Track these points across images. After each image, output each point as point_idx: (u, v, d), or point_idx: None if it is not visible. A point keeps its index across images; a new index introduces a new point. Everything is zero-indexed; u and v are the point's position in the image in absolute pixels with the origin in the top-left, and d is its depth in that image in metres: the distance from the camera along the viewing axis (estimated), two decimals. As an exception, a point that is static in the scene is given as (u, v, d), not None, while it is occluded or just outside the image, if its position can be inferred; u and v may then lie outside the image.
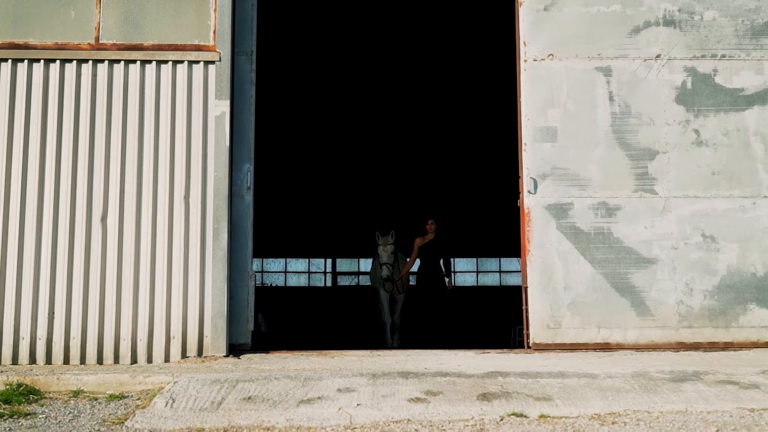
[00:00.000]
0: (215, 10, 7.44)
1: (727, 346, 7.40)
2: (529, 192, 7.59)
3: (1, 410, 5.20)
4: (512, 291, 14.87)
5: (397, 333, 12.14)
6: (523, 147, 7.69)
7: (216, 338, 7.03)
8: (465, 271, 25.68)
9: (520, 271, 8.23)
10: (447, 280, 11.74)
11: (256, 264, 24.92)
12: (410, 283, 12.81)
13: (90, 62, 7.33)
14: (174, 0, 7.45)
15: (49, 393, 5.79)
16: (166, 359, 6.98)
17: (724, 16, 7.86)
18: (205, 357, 6.99)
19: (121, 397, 5.64)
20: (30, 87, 7.27)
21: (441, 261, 11.71)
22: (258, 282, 24.79)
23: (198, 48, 7.40)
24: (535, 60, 7.80)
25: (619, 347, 7.40)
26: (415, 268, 12.40)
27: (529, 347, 7.51)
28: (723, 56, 7.81)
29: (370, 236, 12.64)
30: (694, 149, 7.69)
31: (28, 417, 5.11)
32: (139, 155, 7.25)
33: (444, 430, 4.74)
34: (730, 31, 7.84)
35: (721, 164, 7.67)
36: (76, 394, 5.75)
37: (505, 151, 15.16)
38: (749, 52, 7.81)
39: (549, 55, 7.80)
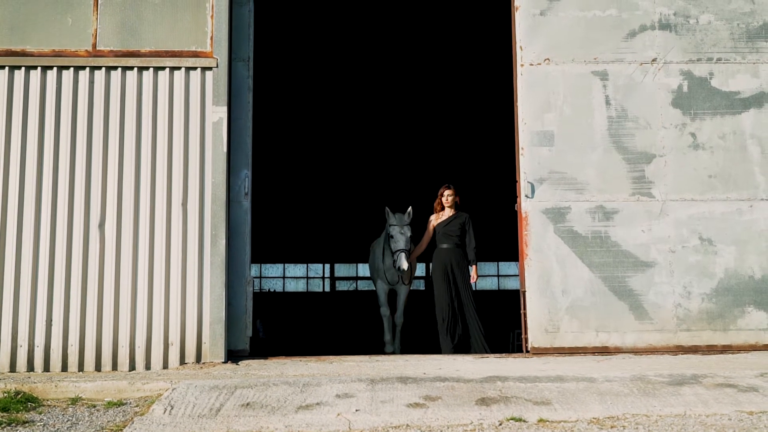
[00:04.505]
0: (212, 16, 7.45)
1: (725, 349, 7.40)
2: (526, 196, 7.60)
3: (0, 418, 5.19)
4: (510, 295, 14.83)
5: (398, 336, 10.06)
6: (520, 151, 7.70)
7: (214, 344, 7.02)
8: (463, 276, 25.63)
9: (518, 275, 8.22)
10: (472, 269, 9.32)
11: (254, 269, 24.96)
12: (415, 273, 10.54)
13: (87, 69, 7.34)
14: (171, 6, 7.47)
15: (47, 400, 5.77)
16: (165, 366, 6.97)
17: (719, 20, 7.88)
18: (204, 363, 6.98)
19: (120, 404, 5.63)
20: (27, 94, 7.27)
21: (468, 246, 9.21)
22: (256, 287, 24.79)
23: (195, 54, 7.41)
24: (531, 64, 7.81)
25: (618, 351, 7.40)
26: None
27: (527, 351, 7.51)
28: (719, 59, 7.83)
29: (369, 241, 11.13)
30: (691, 152, 7.70)
31: (26, 425, 5.10)
32: (137, 161, 7.26)
33: (443, 435, 4.74)
34: (726, 35, 7.86)
35: (718, 167, 7.68)
36: (75, 401, 5.74)
37: (502, 155, 15.17)
38: (745, 55, 7.83)
39: (545, 60, 7.81)
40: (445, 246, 9.15)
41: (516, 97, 7.82)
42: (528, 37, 7.83)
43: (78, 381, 6.08)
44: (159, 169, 7.25)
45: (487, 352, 8.45)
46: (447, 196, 9.22)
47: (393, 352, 9.80)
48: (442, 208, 9.28)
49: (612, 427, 4.84)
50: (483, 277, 25.34)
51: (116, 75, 7.36)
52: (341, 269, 26.96)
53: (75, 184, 7.18)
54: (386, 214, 9.78)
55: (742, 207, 7.62)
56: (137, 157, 7.26)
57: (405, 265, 9.34)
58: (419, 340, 10.64)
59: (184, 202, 7.22)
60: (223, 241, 7.16)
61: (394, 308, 10.18)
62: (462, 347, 8.80)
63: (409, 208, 9.70)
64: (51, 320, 6.97)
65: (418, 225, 9.86)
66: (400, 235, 9.53)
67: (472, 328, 8.86)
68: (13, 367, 6.88)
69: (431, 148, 22.04)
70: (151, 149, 7.27)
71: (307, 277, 27.08)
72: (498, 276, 25.74)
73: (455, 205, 9.27)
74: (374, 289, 10.57)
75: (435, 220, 9.30)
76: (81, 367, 6.92)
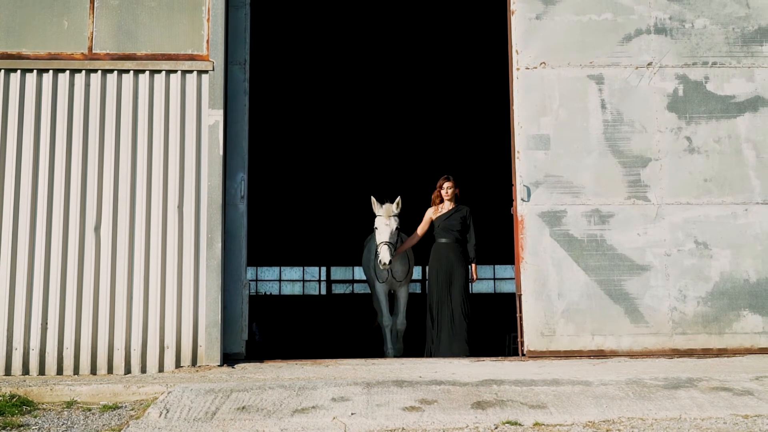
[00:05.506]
0: (208, 19, 7.45)
1: (720, 353, 7.41)
2: (522, 200, 7.61)
3: (-6, 422, 5.18)
4: (506, 298, 14.85)
5: (399, 342, 9.25)
6: (516, 155, 7.71)
7: (210, 348, 7.01)
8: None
9: (514, 279, 8.22)
10: (471, 268, 8.83)
11: (250, 272, 24.91)
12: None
13: (83, 72, 7.33)
14: (167, 10, 7.47)
15: (43, 404, 5.76)
16: (160, 369, 6.96)
17: (714, 24, 7.90)
18: (200, 366, 6.97)
19: (115, 407, 5.62)
20: (23, 97, 7.27)
21: (468, 243, 8.76)
22: (252, 290, 24.77)
23: (191, 57, 7.41)
24: (527, 68, 7.82)
25: (614, 354, 7.40)
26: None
27: (523, 355, 7.51)
28: (714, 64, 7.85)
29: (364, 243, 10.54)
30: (687, 156, 7.72)
31: (22, 428, 5.09)
32: (133, 165, 7.25)
33: (438, 438, 4.74)
34: (721, 39, 7.88)
35: (713, 171, 7.69)
36: (70, 404, 5.73)
37: (498, 158, 15.20)
38: (740, 59, 7.85)
39: (541, 63, 7.83)
40: (444, 240, 8.69)
41: (512, 101, 7.83)
42: (524, 40, 7.85)
43: (73, 384, 6.07)
44: (155, 172, 7.24)
45: (465, 355, 8.17)
46: (447, 189, 8.74)
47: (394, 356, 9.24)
48: (441, 201, 8.80)
49: (607, 431, 4.84)
50: (479, 279, 25.31)
51: (112, 78, 7.35)
52: (337, 272, 26.96)
53: (71, 187, 7.17)
54: (372, 205, 8.93)
55: (738, 211, 7.63)
56: (133, 160, 7.26)
57: (387, 259, 8.51)
58: (415, 343, 10.61)
59: (180, 205, 7.21)
60: (219, 245, 7.15)
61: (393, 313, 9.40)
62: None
63: (398, 198, 8.96)
64: (46, 323, 6.96)
65: (411, 219, 9.44)
66: (384, 226, 8.73)
67: (458, 327, 8.44)
68: (8, 371, 6.86)
69: (428, 150, 22.06)
70: (147, 152, 7.27)
71: (304, 280, 27.08)
72: (494, 279, 25.76)
73: (455, 198, 8.82)
74: (370, 292, 9.83)
75: (433, 213, 8.80)
76: (76, 371, 6.91)
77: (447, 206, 8.81)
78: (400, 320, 9.28)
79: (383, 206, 8.91)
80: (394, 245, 8.74)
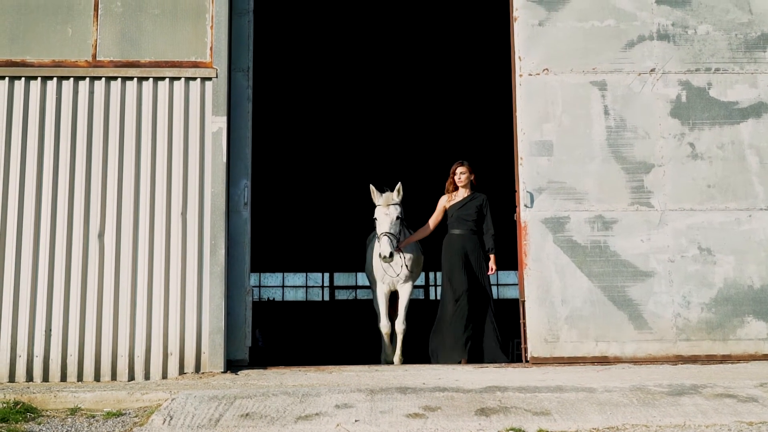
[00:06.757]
0: (212, 27, 7.48)
1: (724, 359, 7.39)
2: (525, 206, 7.61)
3: (-2, 429, 5.18)
4: (510, 304, 14.79)
5: (399, 348, 8.48)
6: (519, 161, 7.71)
7: (214, 354, 7.02)
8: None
9: (517, 285, 8.19)
10: (491, 259, 8.26)
11: (253, 278, 24.94)
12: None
13: (87, 79, 7.35)
14: (170, 17, 7.49)
15: (47, 411, 5.76)
16: (164, 376, 6.96)
17: (717, 30, 7.90)
18: (203, 373, 6.97)
19: (119, 414, 5.62)
20: (27, 104, 7.29)
21: (486, 233, 8.26)
22: (255, 296, 24.78)
23: (195, 64, 7.43)
24: (530, 74, 7.83)
25: (617, 360, 7.39)
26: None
27: (527, 361, 7.49)
28: (717, 70, 7.85)
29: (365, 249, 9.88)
30: (690, 162, 7.71)
31: (25, 435, 5.10)
32: (136, 171, 7.26)
33: (442, 445, 4.73)
34: (724, 45, 7.88)
35: (717, 177, 7.68)
36: (74, 411, 5.73)
37: (501, 164, 15.20)
38: (743, 65, 7.85)
39: (544, 70, 7.83)
40: (457, 231, 8.19)
41: (515, 107, 7.84)
42: (527, 47, 7.85)
43: (77, 391, 6.07)
44: (158, 179, 7.26)
45: (504, 361, 7.92)
46: (460, 174, 8.28)
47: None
48: (455, 189, 8.33)
49: (611, 438, 4.84)
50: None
51: (116, 85, 7.37)
52: (341, 278, 26.96)
53: (74, 194, 7.18)
54: (372, 194, 8.31)
55: (741, 217, 7.62)
56: (137, 167, 7.27)
57: (387, 251, 7.86)
58: (418, 349, 10.57)
59: (184, 212, 7.22)
60: (223, 251, 7.16)
61: (394, 315, 8.66)
62: (472, 353, 8.02)
63: (399, 185, 8.37)
64: (50, 330, 6.96)
65: (417, 210, 9.05)
66: (384, 216, 8.12)
67: (488, 330, 8.03)
68: (12, 377, 6.87)
69: (431, 158, 22.06)
70: (151, 159, 7.29)
71: (307, 286, 27.08)
72: (497, 285, 25.73)
73: (470, 185, 8.39)
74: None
75: (447, 201, 8.29)
76: (80, 377, 6.91)
77: (462, 194, 8.38)
78: (399, 321, 8.45)
79: (383, 195, 8.32)
80: (395, 236, 8.14)
